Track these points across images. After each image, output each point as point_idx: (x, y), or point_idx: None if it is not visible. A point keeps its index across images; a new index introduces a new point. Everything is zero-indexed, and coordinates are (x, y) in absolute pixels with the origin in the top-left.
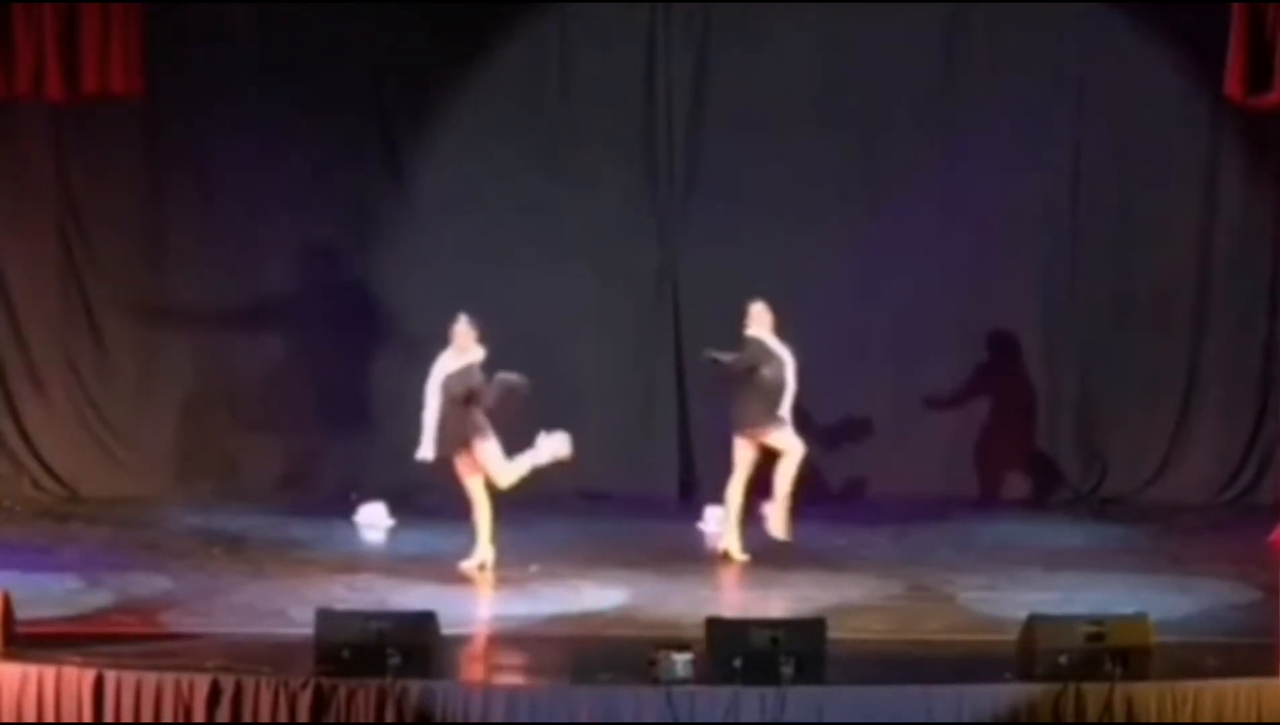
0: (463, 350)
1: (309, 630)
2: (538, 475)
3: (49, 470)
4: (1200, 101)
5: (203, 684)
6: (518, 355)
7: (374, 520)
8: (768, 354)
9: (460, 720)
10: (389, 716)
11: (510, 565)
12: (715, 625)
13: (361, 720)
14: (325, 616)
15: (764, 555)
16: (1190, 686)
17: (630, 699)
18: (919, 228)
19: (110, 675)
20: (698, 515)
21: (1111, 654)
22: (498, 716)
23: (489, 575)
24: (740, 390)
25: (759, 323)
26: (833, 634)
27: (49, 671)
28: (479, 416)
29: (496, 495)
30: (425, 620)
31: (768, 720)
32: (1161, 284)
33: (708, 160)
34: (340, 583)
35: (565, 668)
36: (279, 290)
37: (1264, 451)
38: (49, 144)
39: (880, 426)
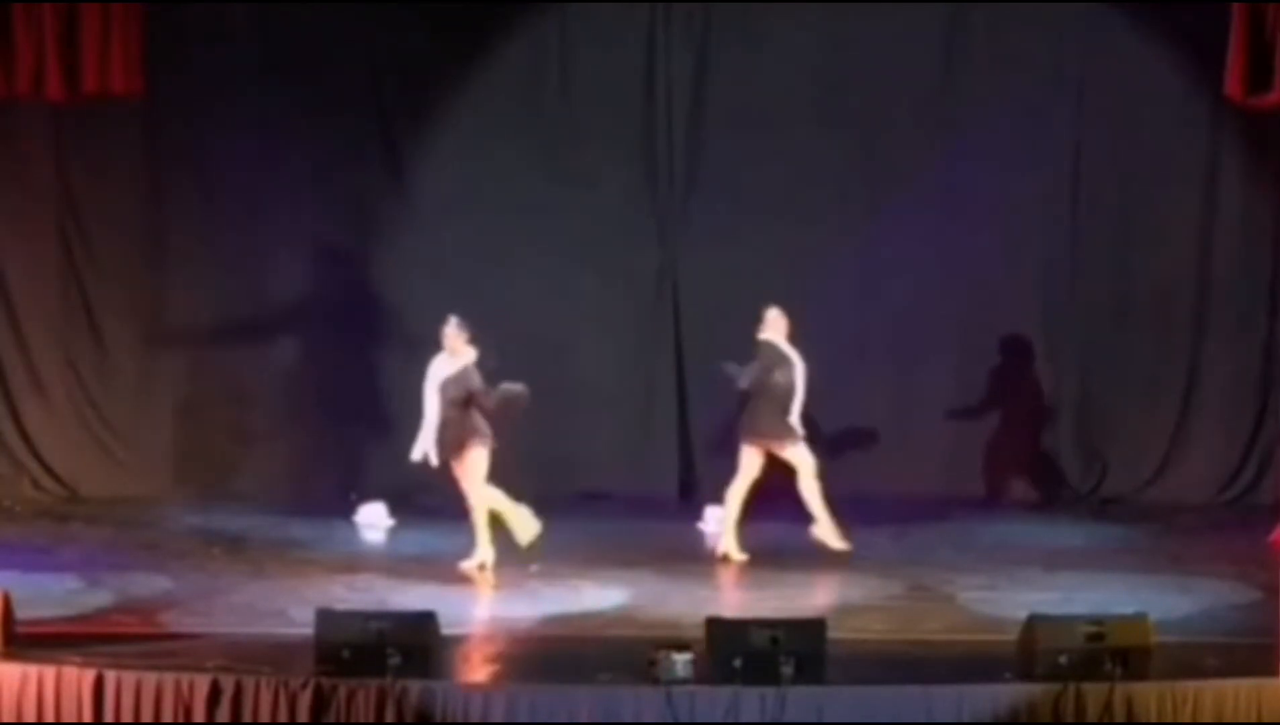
0: (454, 352)
1: (309, 630)
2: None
3: (49, 470)
4: (1200, 101)
5: (203, 684)
6: (517, 355)
7: (374, 520)
8: (781, 358)
9: (460, 720)
10: (389, 716)
11: (510, 565)
12: (715, 625)
13: (361, 720)
14: (325, 616)
15: (764, 555)
16: (1190, 686)
17: (630, 699)
18: (919, 228)
19: (110, 675)
20: (698, 515)
21: (1111, 654)
22: (498, 716)
23: (489, 575)
24: (753, 397)
25: (774, 328)
26: (833, 634)
27: (49, 671)
28: (478, 420)
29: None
30: (425, 620)
31: (768, 720)
32: (1161, 284)
33: (708, 160)
34: (340, 583)
35: (565, 668)
36: (279, 290)
37: (1264, 451)
38: (49, 144)
39: (880, 427)
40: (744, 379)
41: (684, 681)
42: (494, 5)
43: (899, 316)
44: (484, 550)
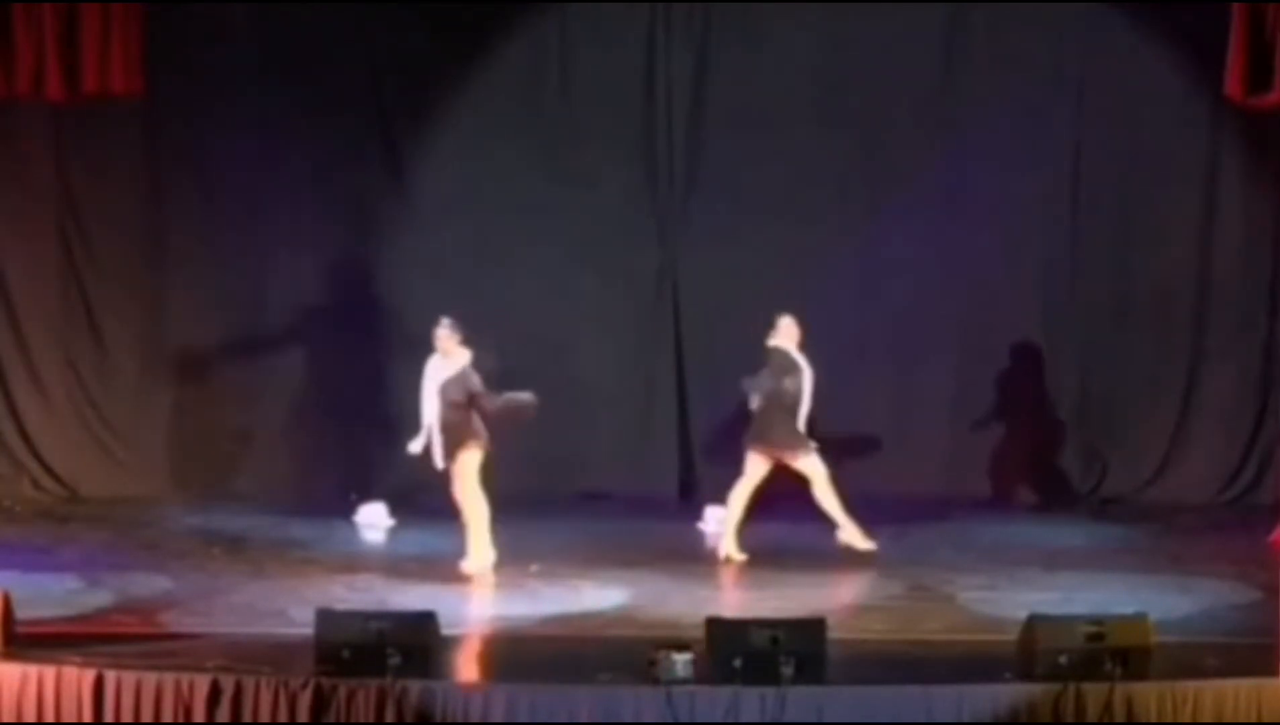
0: (446, 354)
1: (309, 630)
2: (538, 475)
3: (49, 470)
4: (1200, 101)
5: (203, 684)
6: (517, 355)
7: (374, 520)
8: (792, 366)
9: (460, 720)
10: (389, 716)
11: (510, 565)
12: (715, 625)
13: (361, 720)
14: (325, 616)
15: (764, 555)
16: (1190, 686)
17: (630, 699)
18: (919, 228)
19: (110, 675)
20: (698, 515)
21: (1111, 654)
22: (498, 716)
23: (489, 575)
24: (764, 405)
25: (786, 335)
26: (833, 634)
27: (49, 671)
28: (477, 423)
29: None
30: (425, 620)
31: (768, 720)
32: (1161, 284)
33: (708, 160)
34: (340, 583)
35: (565, 668)
36: (279, 290)
37: (1264, 451)
38: (49, 144)
39: (880, 427)
40: (756, 397)
41: (684, 681)
42: (494, 5)
43: (899, 316)
44: (478, 552)
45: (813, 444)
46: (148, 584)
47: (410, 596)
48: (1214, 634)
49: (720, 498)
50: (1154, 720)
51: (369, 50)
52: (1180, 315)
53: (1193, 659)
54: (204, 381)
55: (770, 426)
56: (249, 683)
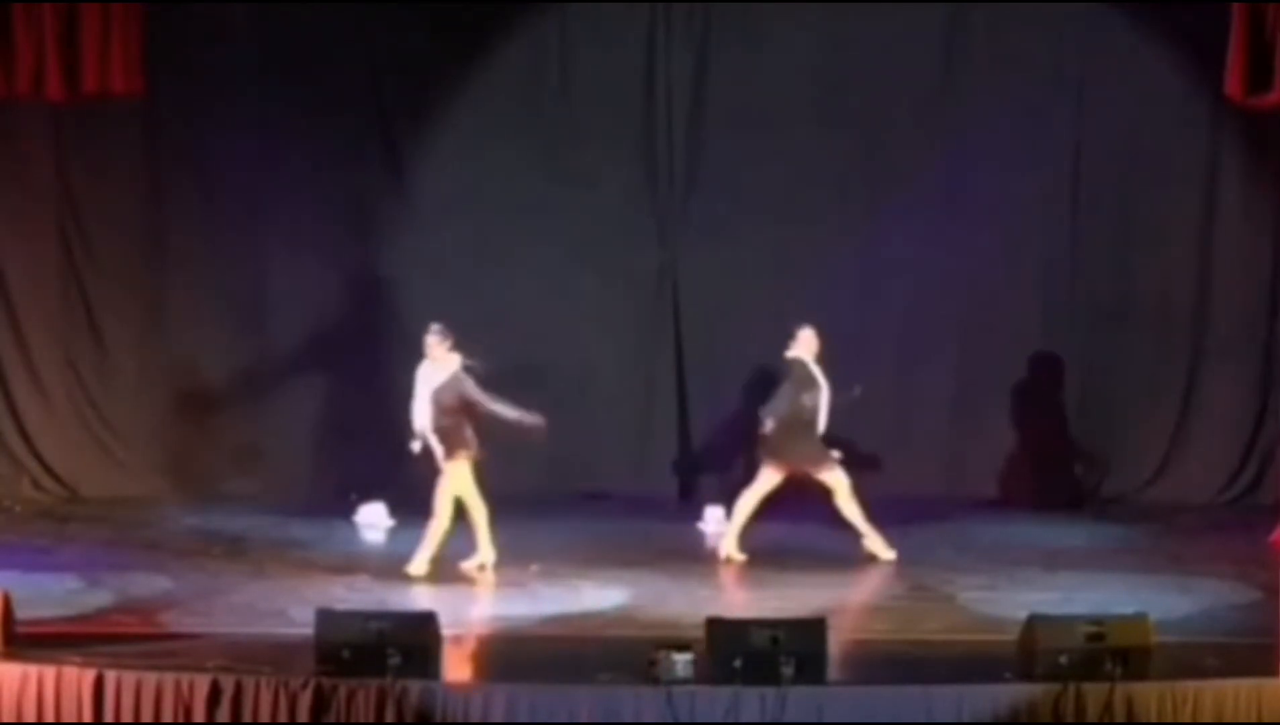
0: (436, 361)
1: (309, 630)
2: (538, 475)
3: (49, 470)
4: (1200, 101)
5: (203, 684)
6: (518, 355)
7: (374, 520)
8: (810, 379)
9: (460, 720)
10: (389, 716)
11: (510, 565)
12: (715, 625)
13: (361, 720)
14: (325, 616)
15: (764, 555)
16: (1190, 686)
17: (630, 699)
18: (919, 228)
19: (110, 675)
20: (698, 515)
21: (1111, 654)
22: (498, 716)
23: (489, 575)
24: (782, 421)
25: (805, 347)
26: (833, 634)
27: (49, 671)
28: (469, 432)
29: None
30: (425, 620)
31: (768, 720)
32: (1161, 284)
33: (708, 160)
34: (340, 583)
35: (565, 668)
36: (279, 290)
37: (1264, 452)
38: (49, 144)
39: (880, 426)
40: (771, 420)
41: (684, 681)
42: (494, 5)
43: (899, 317)
44: (485, 551)
45: (835, 455)
46: (148, 584)
47: (410, 596)
48: (1214, 634)
49: (720, 498)
50: (1154, 720)
51: (369, 50)
52: (1180, 315)
53: (1193, 659)
54: (204, 382)
55: (790, 443)
56: (249, 683)
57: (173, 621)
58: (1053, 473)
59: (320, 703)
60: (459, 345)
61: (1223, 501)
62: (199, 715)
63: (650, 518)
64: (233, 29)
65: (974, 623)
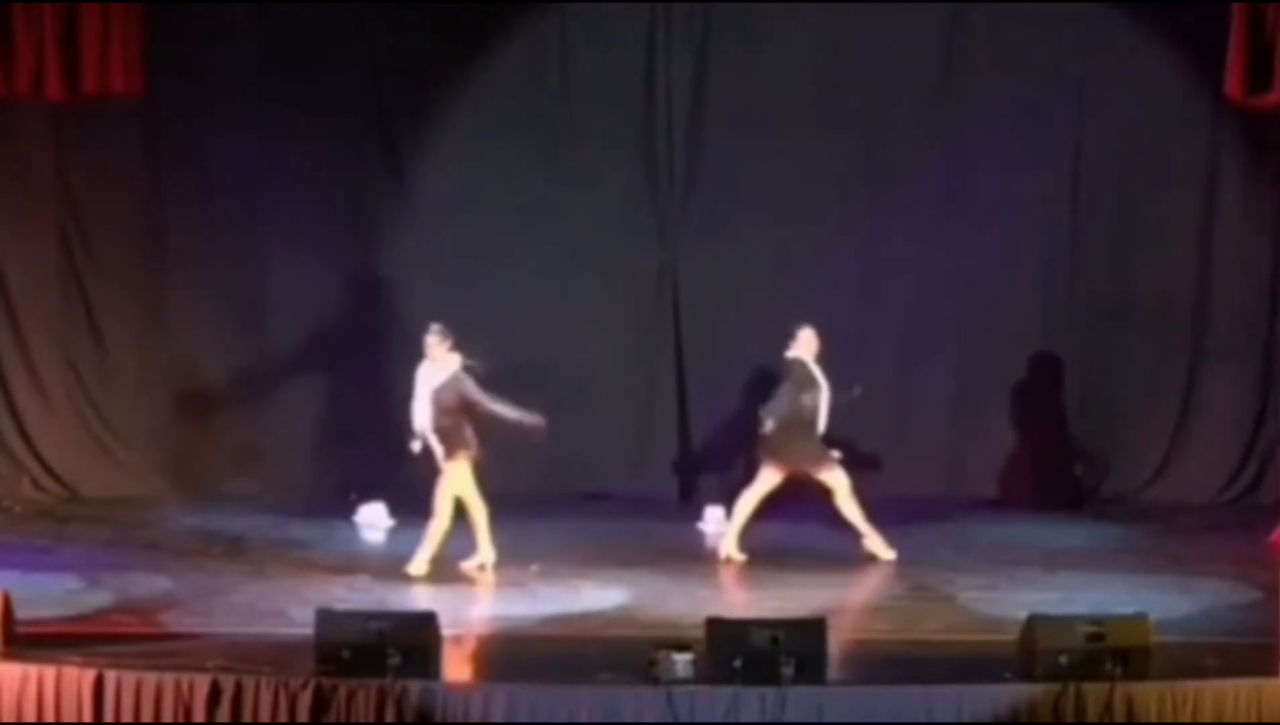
0: (436, 361)
1: (309, 630)
2: (538, 475)
3: (49, 470)
4: (1200, 101)
5: (203, 684)
6: (518, 355)
7: (374, 520)
8: (810, 380)
9: (460, 720)
10: (389, 716)
11: (510, 565)
12: (715, 625)
13: (361, 720)
14: (325, 616)
15: (764, 555)
16: (1190, 686)
17: (630, 699)
18: (919, 228)
19: (110, 675)
20: (698, 515)
21: (1111, 654)
22: (498, 716)
23: (489, 575)
24: (782, 422)
25: (805, 347)
26: (833, 634)
27: (49, 671)
28: (469, 432)
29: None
30: (425, 620)
31: (768, 720)
32: (1161, 284)
33: (708, 160)
34: (340, 583)
35: (565, 668)
36: (279, 290)
37: (1264, 451)
38: (49, 144)
39: (880, 426)
40: (771, 421)
41: (684, 681)
42: (494, 5)
43: (899, 317)
44: (485, 551)
45: (835, 455)
46: (148, 584)
47: (410, 596)
48: (1214, 634)
49: (720, 498)
50: (1154, 720)
51: (369, 50)
52: (1180, 315)
53: (1193, 659)
54: (204, 382)
55: (790, 443)
56: (249, 683)
57: (173, 621)
58: (1053, 473)
59: (320, 703)
60: (459, 345)
61: (1223, 501)
62: (199, 715)
63: (650, 518)
64: (233, 29)
65: (974, 623)
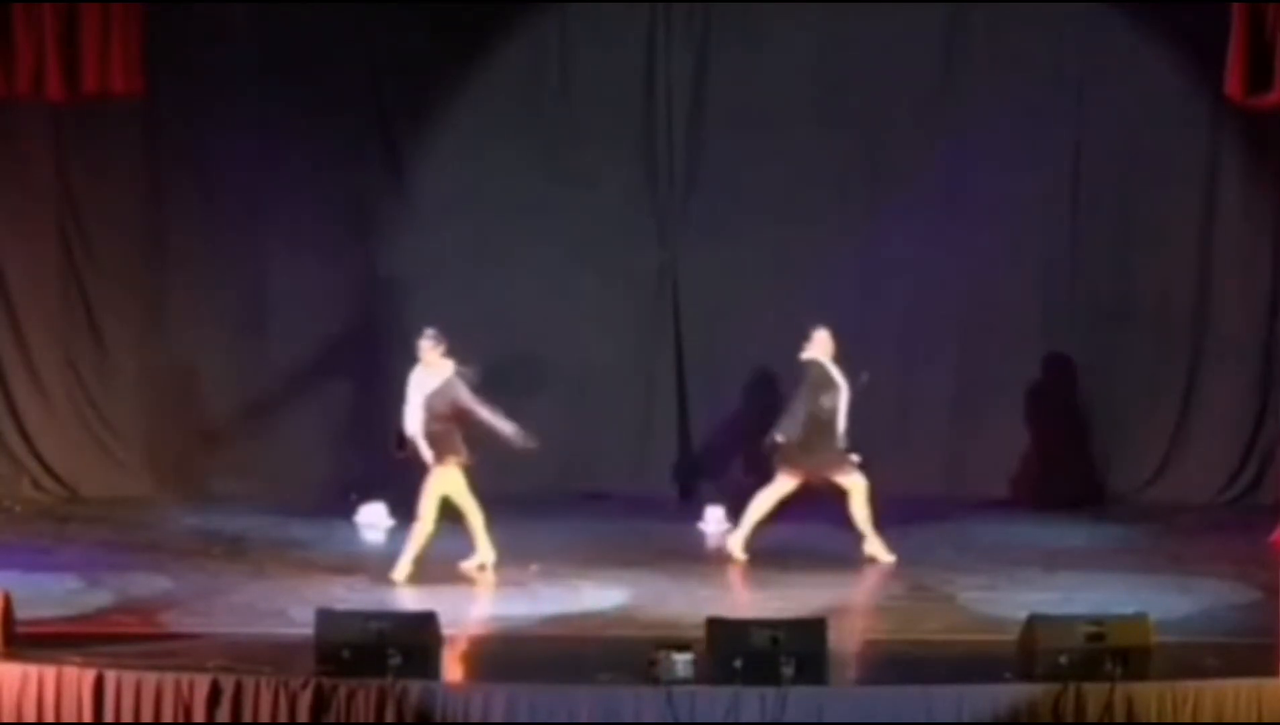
0: (429, 365)
1: (309, 630)
2: (538, 475)
3: (49, 470)
4: (1200, 101)
5: (203, 684)
6: (518, 355)
7: (374, 520)
8: (828, 381)
9: (460, 720)
10: (389, 716)
11: (510, 565)
12: (715, 625)
13: (361, 720)
14: (325, 616)
15: (764, 555)
16: (1190, 686)
17: (630, 699)
18: (919, 228)
19: (110, 675)
20: (698, 515)
21: (1111, 654)
22: (498, 716)
23: (489, 575)
24: (801, 426)
25: (820, 348)
26: (833, 634)
27: (49, 671)
28: (458, 439)
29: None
30: (425, 620)
31: (768, 720)
32: (1161, 284)
33: (708, 160)
34: (340, 583)
35: (565, 668)
36: (278, 290)
37: (1264, 451)
38: (49, 144)
39: (880, 426)
40: (785, 431)
41: (684, 681)
42: (494, 5)
43: (899, 316)
44: (484, 551)
45: (855, 458)
46: (148, 584)
47: (410, 596)
48: (1214, 634)
49: (720, 498)
50: (1154, 720)
51: (369, 50)
52: (1180, 315)
53: (1193, 659)
54: (204, 382)
55: (810, 448)
56: (249, 683)
57: (173, 621)
58: (1053, 473)
59: (320, 703)
60: (453, 350)
61: (1223, 501)
62: (199, 715)
63: (650, 518)
64: (233, 29)
65: (974, 623)
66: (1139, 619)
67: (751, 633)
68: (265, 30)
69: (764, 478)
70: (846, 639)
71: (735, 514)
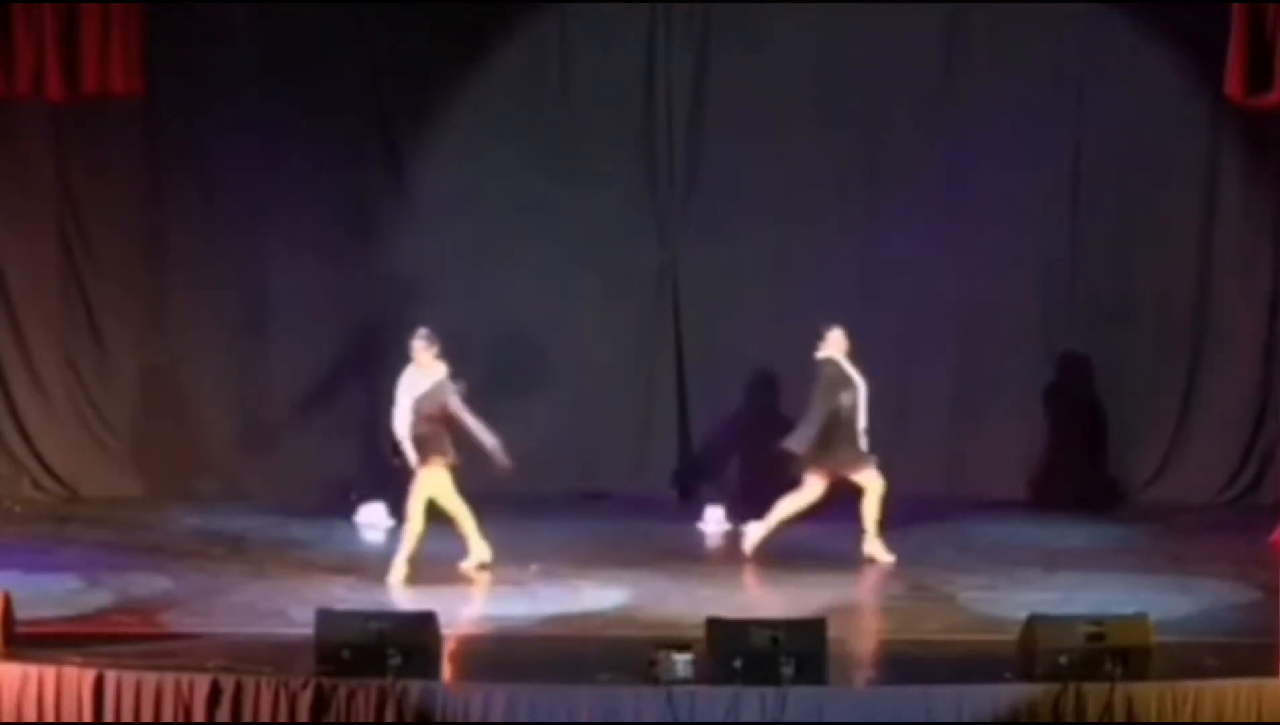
0: (422, 366)
1: (309, 630)
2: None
3: (49, 470)
4: (1200, 101)
5: (203, 684)
6: (518, 356)
7: (374, 520)
8: (845, 379)
9: (460, 720)
10: (389, 716)
11: (510, 565)
12: (715, 625)
13: (361, 720)
14: (325, 616)
15: (764, 555)
16: (1190, 686)
17: (630, 699)
18: (919, 228)
19: (110, 675)
20: (698, 515)
21: (1111, 654)
22: (498, 716)
23: (488, 575)
24: (819, 429)
25: (835, 347)
26: (833, 634)
27: (49, 671)
28: (446, 441)
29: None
30: (425, 620)
31: (768, 720)
32: (1161, 284)
33: (708, 160)
34: (340, 583)
35: (565, 668)
36: (278, 290)
37: (1264, 452)
38: (49, 144)
39: (880, 426)
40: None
41: (684, 681)
42: (494, 5)
43: (899, 316)
44: (480, 550)
45: (874, 458)
46: (148, 584)
47: (410, 597)
48: (1214, 634)
49: (720, 498)
50: (1154, 720)
51: (369, 50)
52: (1180, 315)
53: (1193, 659)
54: (203, 381)
55: (830, 449)
56: (249, 683)
57: (173, 621)
58: (1053, 473)
59: (320, 703)
60: (453, 350)
61: (1223, 501)
62: (199, 715)
63: (650, 518)
64: (233, 29)
65: (974, 623)
66: (1139, 619)
67: (751, 633)
68: (265, 30)
69: (764, 478)
70: (847, 639)
71: (735, 514)
